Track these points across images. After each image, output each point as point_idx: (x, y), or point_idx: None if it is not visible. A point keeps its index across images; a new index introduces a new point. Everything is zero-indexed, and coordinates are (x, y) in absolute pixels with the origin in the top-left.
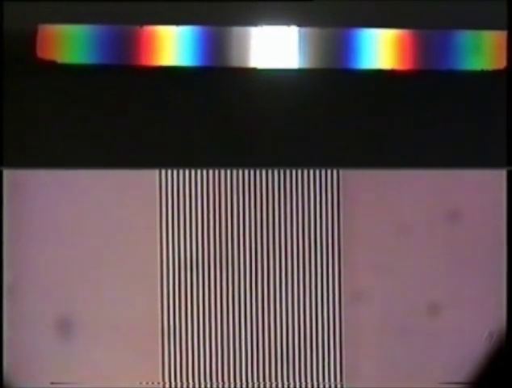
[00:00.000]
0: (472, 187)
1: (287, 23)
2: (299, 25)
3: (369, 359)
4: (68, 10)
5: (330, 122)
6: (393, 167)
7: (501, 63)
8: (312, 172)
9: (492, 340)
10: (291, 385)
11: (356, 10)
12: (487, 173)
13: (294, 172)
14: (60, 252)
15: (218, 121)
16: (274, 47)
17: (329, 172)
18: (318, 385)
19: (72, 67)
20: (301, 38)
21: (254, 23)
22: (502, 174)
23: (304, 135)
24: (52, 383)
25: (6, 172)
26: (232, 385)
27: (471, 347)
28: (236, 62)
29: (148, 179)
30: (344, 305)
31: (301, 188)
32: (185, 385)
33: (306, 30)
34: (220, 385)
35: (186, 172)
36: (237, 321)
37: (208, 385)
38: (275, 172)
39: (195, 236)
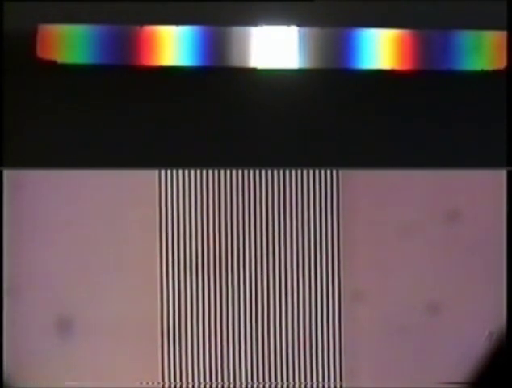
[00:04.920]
0: (472, 187)
1: (287, 23)
2: (299, 25)
3: (369, 359)
4: (68, 10)
5: (330, 122)
6: (393, 167)
7: (501, 63)
8: (312, 172)
9: (492, 340)
10: (291, 386)
11: (356, 10)
12: (487, 173)
13: (294, 172)
14: (60, 252)
15: (218, 121)
16: (274, 47)
17: (329, 172)
18: (318, 385)
19: (72, 67)
20: (301, 38)
21: (254, 23)
22: (502, 174)
23: (304, 135)
24: (46, 383)
25: (6, 172)
26: (232, 386)
27: (471, 347)
28: (236, 62)
29: (148, 179)
30: (344, 305)
31: (301, 188)
32: (185, 386)
33: (306, 30)
34: (220, 385)
35: (186, 172)
36: (237, 321)
37: (208, 386)
38: (275, 172)
39: (194, 236)
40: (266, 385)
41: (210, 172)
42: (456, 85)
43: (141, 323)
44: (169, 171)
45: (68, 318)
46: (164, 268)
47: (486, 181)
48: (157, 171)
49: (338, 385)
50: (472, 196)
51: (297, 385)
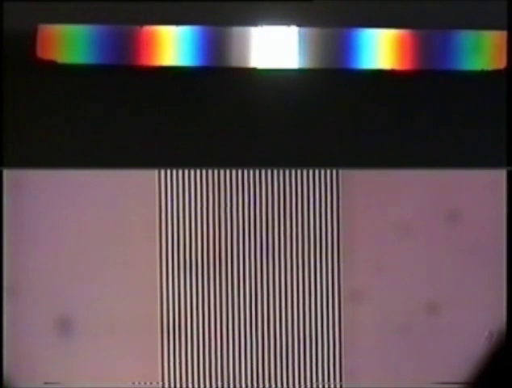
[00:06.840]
0: (472, 187)
1: (287, 23)
2: (299, 25)
3: (368, 359)
4: (68, 10)
5: (330, 122)
6: (393, 167)
7: (501, 63)
8: (312, 172)
9: (492, 340)
10: (291, 386)
11: (356, 10)
12: (487, 173)
13: (294, 172)
14: (60, 252)
15: (218, 121)
16: (274, 47)
17: (328, 172)
18: (318, 385)
19: (72, 67)
20: (301, 38)
21: (254, 23)
22: (502, 174)
23: (304, 135)
24: (46, 383)
25: (6, 172)
26: (232, 386)
27: (471, 347)
28: (236, 62)
29: (148, 179)
30: (344, 304)
31: (301, 188)
32: (185, 386)
33: (306, 30)
34: (220, 386)
35: (186, 172)
36: (237, 321)
37: (208, 386)
38: (275, 172)
39: (194, 236)
40: (266, 386)
41: (210, 172)
42: (456, 85)
43: (141, 323)
44: (169, 171)
45: (68, 318)
46: (164, 268)
47: (486, 181)
48: (157, 171)
49: (338, 385)
50: (472, 196)
51: (297, 386)
